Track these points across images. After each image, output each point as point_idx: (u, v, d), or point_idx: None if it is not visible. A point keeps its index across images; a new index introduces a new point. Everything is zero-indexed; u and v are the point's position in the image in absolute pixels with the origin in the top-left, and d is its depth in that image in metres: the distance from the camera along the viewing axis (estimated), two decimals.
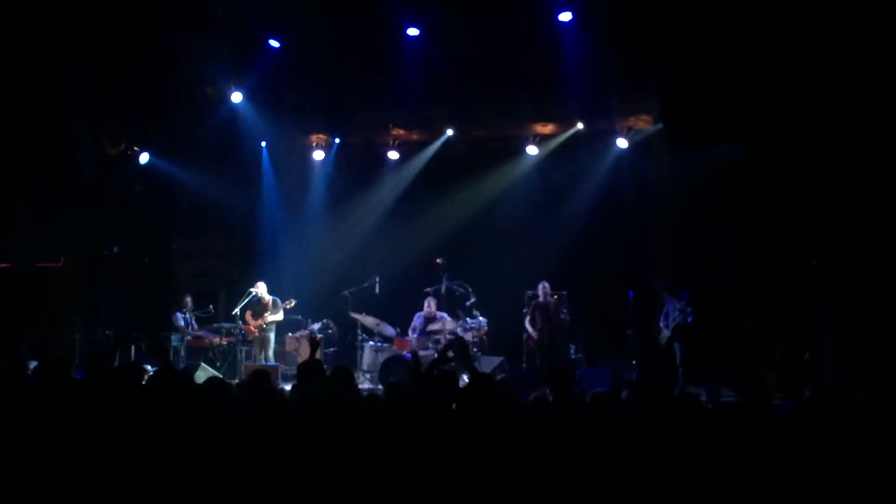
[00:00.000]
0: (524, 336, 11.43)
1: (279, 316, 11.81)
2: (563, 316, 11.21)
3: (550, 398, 4.98)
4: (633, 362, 10.81)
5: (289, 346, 12.40)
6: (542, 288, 11.31)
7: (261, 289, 11.75)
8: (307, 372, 5.14)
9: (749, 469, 3.52)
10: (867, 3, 8.94)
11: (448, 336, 11.31)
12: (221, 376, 7.87)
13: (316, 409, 4.55)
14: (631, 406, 4.57)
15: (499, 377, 9.77)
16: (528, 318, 11.39)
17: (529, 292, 11.57)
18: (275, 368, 10.99)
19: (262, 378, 5.39)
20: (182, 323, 11.88)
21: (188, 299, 12.15)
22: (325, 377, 5.13)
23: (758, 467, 3.54)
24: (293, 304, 11.92)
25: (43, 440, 3.85)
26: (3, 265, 10.94)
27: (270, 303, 11.76)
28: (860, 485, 3.44)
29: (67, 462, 3.67)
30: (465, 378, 10.57)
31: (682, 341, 10.54)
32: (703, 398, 6.36)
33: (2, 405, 4.54)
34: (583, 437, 3.81)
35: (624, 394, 5.23)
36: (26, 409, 4.35)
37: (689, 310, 10.43)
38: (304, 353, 12.17)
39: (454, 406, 4.66)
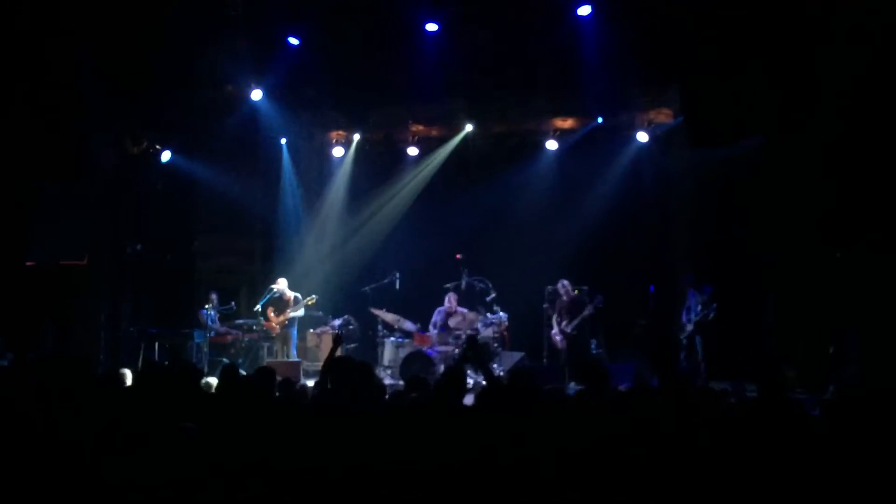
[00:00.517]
0: (552, 332, 11.35)
1: (300, 312, 11.85)
2: (588, 310, 11.08)
3: (579, 393, 4.97)
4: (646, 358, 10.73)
5: (310, 343, 12.45)
6: (563, 286, 11.24)
7: (282, 285, 11.80)
8: (332, 370, 5.14)
9: (769, 463, 3.49)
10: None
11: (469, 331, 11.31)
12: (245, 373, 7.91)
13: (330, 404, 4.56)
14: (657, 401, 4.55)
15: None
16: (555, 316, 11.32)
17: (550, 288, 11.52)
18: (297, 364, 11.04)
19: (268, 375, 5.45)
20: (206, 320, 11.93)
21: (214, 296, 12.20)
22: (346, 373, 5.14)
23: (779, 462, 3.51)
24: (315, 300, 11.92)
25: (56, 437, 3.87)
26: (27, 263, 11.08)
27: (292, 299, 11.80)
28: (886, 481, 3.41)
29: (76, 461, 3.68)
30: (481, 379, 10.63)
31: (705, 335, 10.48)
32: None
33: (16, 402, 4.58)
34: (616, 431, 3.80)
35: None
36: (41, 406, 4.38)
37: (713, 304, 10.37)
38: (326, 349, 12.22)
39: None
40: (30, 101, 10.58)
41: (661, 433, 3.75)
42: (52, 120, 10.74)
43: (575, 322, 11.03)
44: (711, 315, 10.39)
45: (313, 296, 11.92)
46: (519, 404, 4.33)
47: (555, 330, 11.28)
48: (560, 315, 11.23)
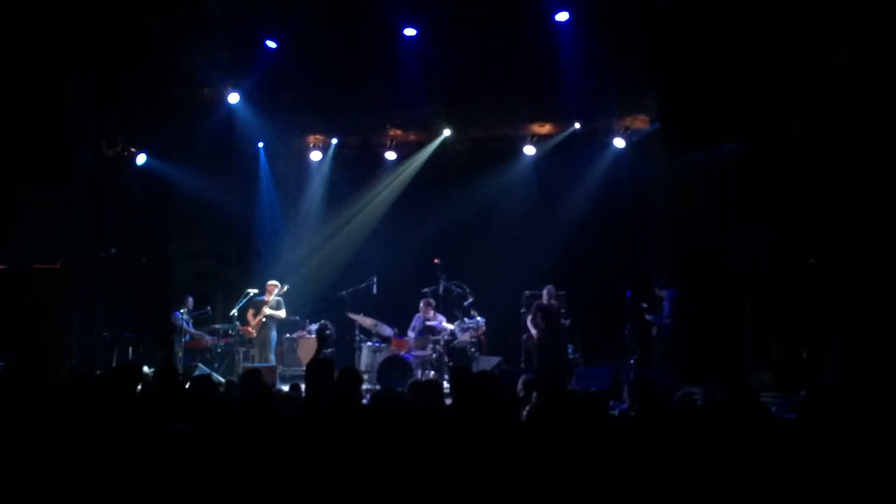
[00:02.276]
0: (524, 336, 11.38)
1: (282, 313, 11.80)
2: (563, 321, 11.15)
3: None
4: (632, 361, 10.79)
5: (285, 347, 12.38)
6: (548, 292, 11.23)
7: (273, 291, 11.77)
8: (316, 371, 5.10)
9: (738, 465, 3.51)
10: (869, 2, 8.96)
11: (446, 338, 11.30)
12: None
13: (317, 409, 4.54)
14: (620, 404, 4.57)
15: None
16: (530, 318, 11.31)
17: (528, 292, 11.55)
18: (272, 369, 10.96)
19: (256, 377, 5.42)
20: (180, 323, 11.81)
21: (189, 300, 12.09)
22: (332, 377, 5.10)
23: (748, 464, 3.53)
24: (286, 289, 11.89)
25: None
26: (0, 267, 10.94)
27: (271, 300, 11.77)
28: (856, 482, 3.44)
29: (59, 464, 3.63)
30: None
31: (676, 338, 10.53)
32: (699, 398, 6.35)
33: None
34: (570, 438, 3.80)
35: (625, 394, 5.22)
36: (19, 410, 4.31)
37: (667, 307, 10.49)
38: (302, 353, 12.18)
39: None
40: (4, 103, 10.46)
41: (611, 440, 3.76)
42: (26, 122, 10.62)
43: (552, 328, 11.03)
44: (665, 315, 10.48)
45: (285, 285, 11.88)
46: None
47: (528, 334, 11.29)
48: (535, 317, 11.19)
